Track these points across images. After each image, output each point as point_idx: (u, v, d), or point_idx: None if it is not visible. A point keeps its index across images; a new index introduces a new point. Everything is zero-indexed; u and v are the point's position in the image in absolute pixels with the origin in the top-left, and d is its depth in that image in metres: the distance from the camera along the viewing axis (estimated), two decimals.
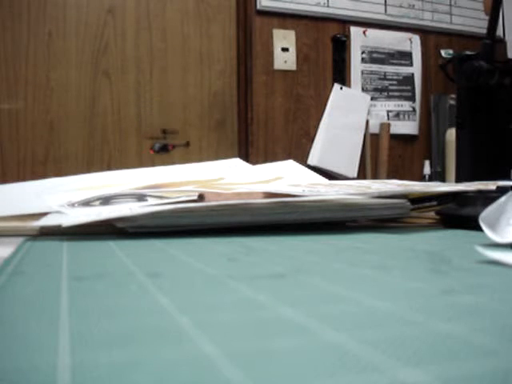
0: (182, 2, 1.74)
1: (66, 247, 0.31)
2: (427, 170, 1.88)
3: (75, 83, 1.63)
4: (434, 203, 0.51)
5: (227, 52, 1.79)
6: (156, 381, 0.09)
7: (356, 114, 1.86)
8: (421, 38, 1.96)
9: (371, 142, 1.87)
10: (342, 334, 0.12)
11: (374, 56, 1.91)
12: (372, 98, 1.89)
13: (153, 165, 1.43)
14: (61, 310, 0.15)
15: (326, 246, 0.32)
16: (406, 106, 1.94)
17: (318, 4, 1.81)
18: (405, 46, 1.94)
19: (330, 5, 1.82)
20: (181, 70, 1.73)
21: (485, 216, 0.27)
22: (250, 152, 1.74)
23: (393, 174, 1.80)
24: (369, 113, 1.88)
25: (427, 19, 1.96)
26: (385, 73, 1.92)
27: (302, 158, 1.73)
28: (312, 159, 1.78)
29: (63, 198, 0.50)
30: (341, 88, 1.84)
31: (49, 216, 0.42)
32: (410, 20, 1.94)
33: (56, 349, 0.11)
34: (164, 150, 1.70)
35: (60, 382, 0.09)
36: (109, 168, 1.56)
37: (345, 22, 1.86)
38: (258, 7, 1.75)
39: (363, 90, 1.89)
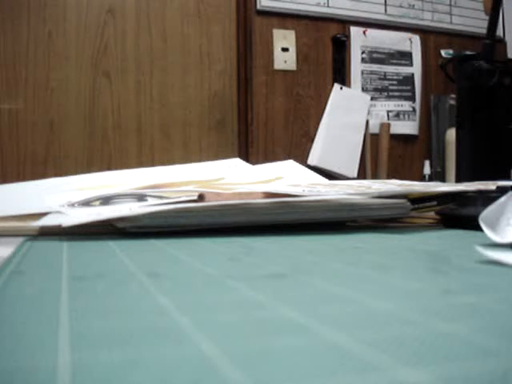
0: (182, 2, 1.74)
1: (66, 247, 0.31)
2: (427, 169, 1.88)
3: (75, 83, 1.63)
4: (434, 203, 0.51)
5: (227, 52, 1.79)
6: (156, 381, 0.09)
7: (356, 114, 1.85)
8: (421, 38, 1.96)
9: (371, 142, 1.86)
10: (341, 333, 0.12)
11: (374, 56, 1.90)
12: (372, 98, 1.89)
13: (153, 165, 1.43)
14: (61, 310, 0.15)
15: (326, 246, 0.32)
16: (405, 105, 1.93)
17: (318, 4, 1.80)
18: (405, 46, 1.94)
19: (329, 5, 1.82)
20: (181, 70, 1.73)
21: (485, 216, 0.27)
22: (249, 152, 1.74)
23: (393, 174, 1.79)
24: (369, 113, 1.88)
25: (427, 19, 1.96)
26: (385, 73, 1.92)
27: (302, 158, 1.72)
28: (312, 159, 1.78)
29: (63, 197, 0.50)
30: (341, 88, 1.84)
31: (49, 216, 0.42)
32: (410, 20, 1.94)
33: (56, 349, 0.11)
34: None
35: (60, 382, 0.09)
36: (109, 168, 1.56)
37: (345, 22, 1.85)
38: (258, 7, 1.74)
39: (363, 90, 1.88)
